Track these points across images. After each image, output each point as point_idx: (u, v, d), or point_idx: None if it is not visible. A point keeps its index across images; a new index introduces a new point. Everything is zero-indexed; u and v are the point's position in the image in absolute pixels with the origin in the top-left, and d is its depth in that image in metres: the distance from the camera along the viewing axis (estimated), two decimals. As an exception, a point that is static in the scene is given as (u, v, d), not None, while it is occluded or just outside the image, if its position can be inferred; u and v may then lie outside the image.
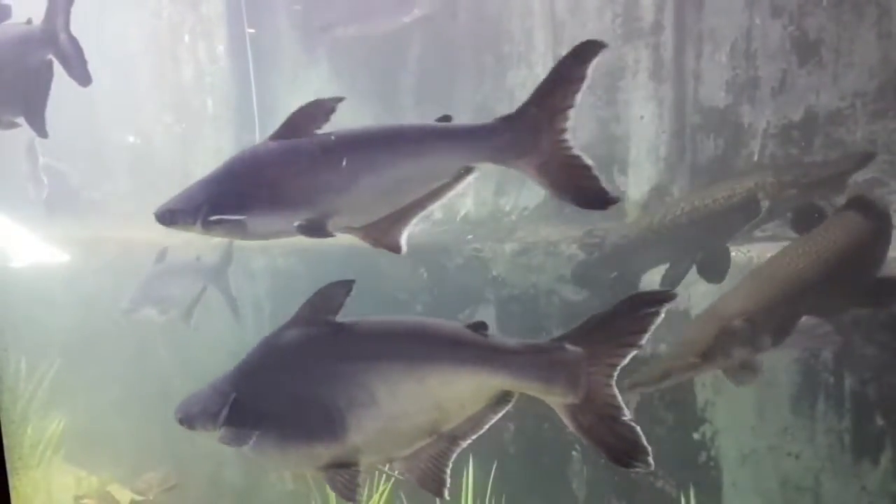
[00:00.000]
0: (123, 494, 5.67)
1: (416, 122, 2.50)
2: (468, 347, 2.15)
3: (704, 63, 4.11)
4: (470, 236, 4.86)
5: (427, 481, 2.30)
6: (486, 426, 2.22)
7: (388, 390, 2.18)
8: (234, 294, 5.21)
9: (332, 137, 2.46)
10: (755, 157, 3.96)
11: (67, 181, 7.15)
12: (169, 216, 2.48)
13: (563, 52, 4.55)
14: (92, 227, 6.72)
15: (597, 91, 4.48)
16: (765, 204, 3.39)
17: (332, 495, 4.49)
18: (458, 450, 2.25)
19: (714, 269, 3.60)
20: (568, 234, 4.47)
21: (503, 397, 2.18)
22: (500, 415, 2.19)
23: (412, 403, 2.18)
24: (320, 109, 2.52)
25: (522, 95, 5.03)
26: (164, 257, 5.32)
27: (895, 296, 3.15)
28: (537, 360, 2.11)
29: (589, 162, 2.28)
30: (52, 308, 7.19)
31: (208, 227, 2.43)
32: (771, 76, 3.88)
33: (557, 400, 2.08)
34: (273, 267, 5.73)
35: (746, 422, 3.70)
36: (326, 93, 6.00)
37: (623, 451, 2.04)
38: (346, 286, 2.33)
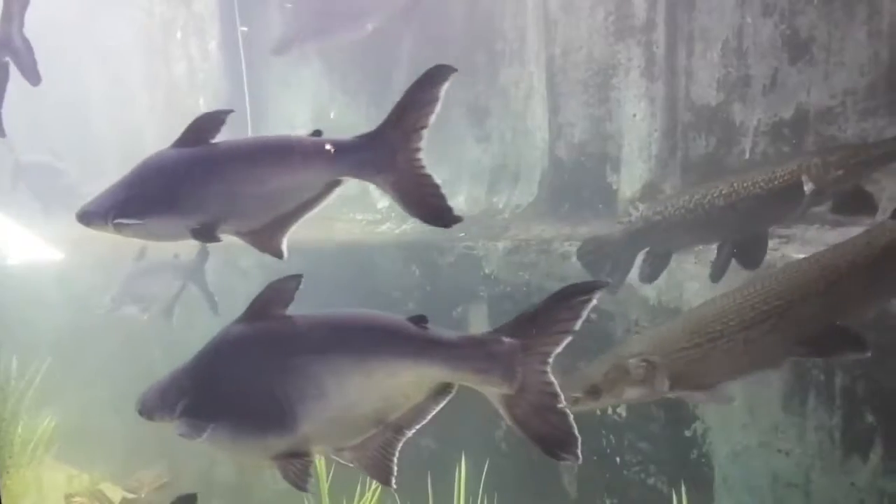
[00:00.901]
0: (115, 492, 5.65)
1: (293, 135, 2.61)
2: (409, 340, 2.22)
3: (696, 61, 4.12)
4: (463, 234, 4.87)
5: (375, 470, 2.35)
6: (430, 416, 2.28)
7: (335, 382, 2.25)
8: (210, 290, 5.23)
9: (221, 148, 2.57)
10: (746, 155, 3.97)
11: (65, 179, 7.14)
12: (85, 217, 2.59)
13: (557, 50, 4.63)
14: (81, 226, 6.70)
15: (589, 89, 4.49)
16: (809, 187, 3.19)
17: (325, 491, 4.49)
18: (404, 439, 2.30)
19: (749, 255, 3.46)
20: (561, 232, 4.48)
21: (444, 388, 2.24)
22: (441, 405, 2.25)
23: (359, 394, 2.25)
24: (214, 120, 2.60)
25: (515, 93, 5.08)
26: (144, 255, 5.36)
27: (842, 345, 2.96)
28: (474, 352, 2.17)
29: (437, 181, 2.40)
30: (43, 306, 7.17)
31: (117, 228, 2.55)
32: (762, 74, 3.89)
33: (494, 391, 2.14)
34: (264, 264, 5.71)
35: (737, 419, 3.71)
36: (318, 90, 6.06)
37: (556, 440, 2.09)
38: (295, 280, 2.40)
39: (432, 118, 2.38)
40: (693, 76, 4.13)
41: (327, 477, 4.47)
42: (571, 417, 2.07)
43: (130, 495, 5.54)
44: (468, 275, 4.65)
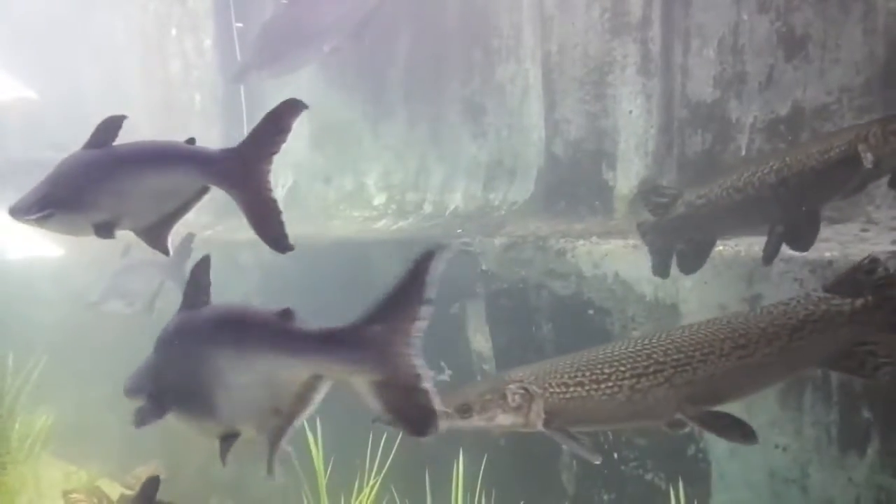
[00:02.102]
0: (113, 489, 5.66)
1: (173, 142, 2.78)
2: (273, 337, 2.33)
3: (692, 58, 4.12)
4: (459, 230, 4.88)
5: (270, 455, 2.51)
6: (314, 404, 2.37)
7: (227, 373, 2.41)
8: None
9: (115, 151, 2.77)
10: (742, 152, 3.98)
11: None
12: (13, 212, 2.82)
13: (553, 47, 4.63)
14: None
15: (585, 86, 4.49)
16: (867, 158, 2.94)
17: (323, 488, 4.50)
18: (296, 425, 2.42)
19: (800, 236, 3.24)
20: (557, 228, 4.49)
21: (319, 381, 2.33)
22: (322, 393, 2.33)
23: (245, 385, 2.41)
24: (113, 124, 2.82)
25: (511, 90, 5.09)
26: (129, 252, 5.51)
27: (727, 427, 2.86)
28: (342, 344, 2.23)
29: (280, 207, 2.60)
30: (40, 303, 7.16)
31: (39, 222, 2.75)
32: (758, 71, 3.90)
33: (365, 378, 2.15)
34: (261, 261, 5.73)
35: (734, 415, 3.72)
36: (314, 87, 6.05)
37: (422, 419, 2.14)
38: (205, 263, 2.62)
39: (283, 146, 2.61)
40: (689, 73, 4.14)
41: (325, 473, 4.48)
42: (433, 393, 2.11)
43: (128, 492, 5.55)
44: (465, 271, 4.66)
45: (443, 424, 2.51)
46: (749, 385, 2.98)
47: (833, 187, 3.11)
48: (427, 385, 2.12)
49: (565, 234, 4.36)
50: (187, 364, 2.52)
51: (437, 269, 2.20)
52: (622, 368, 2.89)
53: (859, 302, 2.84)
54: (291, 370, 2.32)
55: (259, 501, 5.66)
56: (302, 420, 2.39)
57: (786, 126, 3.85)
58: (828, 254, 3.46)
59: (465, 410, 2.94)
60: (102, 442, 6.28)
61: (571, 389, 2.90)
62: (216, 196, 5.97)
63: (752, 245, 3.68)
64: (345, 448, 4.34)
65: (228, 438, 2.63)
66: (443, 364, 4.76)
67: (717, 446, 3.82)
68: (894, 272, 2.85)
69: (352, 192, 5.81)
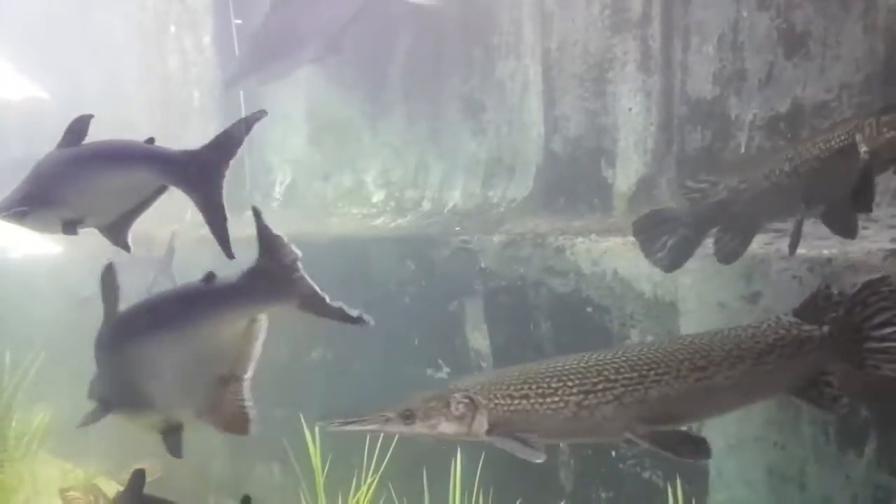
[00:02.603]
0: (110, 486, 5.65)
1: (134, 141, 2.88)
2: (212, 297, 2.63)
3: (692, 55, 4.11)
4: (458, 228, 4.87)
5: (234, 424, 2.71)
6: (256, 354, 2.70)
7: (172, 356, 2.64)
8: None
9: (81, 150, 2.89)
10: (742, 149, 3.97)
11: None
12: None
13: (553, 44, 4.62)
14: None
15: (585, 83, 4.48)
16: (863, 148, 2.89)
17: (321, 485, 4.50)
18: (247, 384, 2.67)
19: (841, 221, 3.14)
20: (556, 226, 4.48)
21: (252, 325, 2.67)
22: (261, 340, 2.70)
23: (192, 361, 2.63)
24: (82, 124, 2.92)
25: (511, 87, 5.08)
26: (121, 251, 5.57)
27: (682, 446, 2.80)
28: (260, 284, 2.63)
29: (227, 215, 2.82)
30: (38, 300, 7.15)
31: (16, 220, 2.89)
32: (758, 68, 3.89)
33: (284, 307, 2.64)
34: (260, 258, 5.71)
35: (732, 413, 3.72)
36: (314, 84, 6.05)
37: (342, 317, 2.66)
38: (111, 270, 2.84)
39: (236, 154, 2.79)
40: (689, 70, 4.13)
41: (323, 471, 4.48)
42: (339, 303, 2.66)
43: (125, 490, 5.54)
44: (463, 269, 4.65)
45: (383, 429, 2.96)
46: (708, 408, 2.94)
47: (839, 178, 3.02)
48: (331, 301, 2.68)
49: (564, 232, 4.35)
50: (124, 362, 2.73)
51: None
52: (570, 384, 2.84)
53: (826, 329, 2.84)
54: (233, 323, 2.64)
55: (257, 499, 5.64)
56: (252, 370, 2.70)
57: (786, 123, 3.84)
58: (826, 252, 3.45)
59: (408, 417, 2.94)
60: (100, 440, 6.27)
61: (516, 402, 2.87)
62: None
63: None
64: (342, 446, 4.33)
65: (172, 431, 2.94)
66: (440, 361, 4.76)
67: (716, 444, 3.80)
68: (851, 299, 2.82)
69: (350, 190, 5.80)
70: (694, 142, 4.15)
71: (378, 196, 5.63)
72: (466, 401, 2.91)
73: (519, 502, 4.22)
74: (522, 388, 2.89)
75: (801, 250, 3.50)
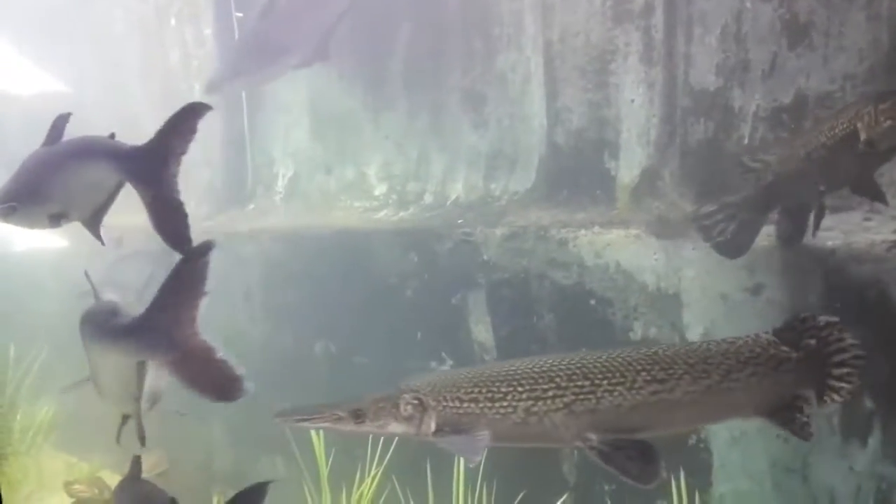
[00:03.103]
0: (114, 480, 5.66)
1: (100, 137, 2.98)
2: (106, 329, 2.83)
3: (695, 46, 4.10)
4: (460, 220, 4.86)
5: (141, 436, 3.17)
6: (146, 387, 2.93)
7: (95, 367, 3.07)
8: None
9: (60, 147, 3.00)
10: (745, 141, 3.96)
11: None
12: None
13: (554, 35, 4.60)
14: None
15: (587, 74, 4.47)
16: (862, 136, 2.88)
17: (325, 478, 4.51)
18: (144, 407, 3.08)
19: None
20: (558, 218, 4.47)
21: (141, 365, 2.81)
22: (149, 380, 2.89)
23: (107, 376, 3.00)
24: (61, 122, 3.03)
25: (512, 79, 5.05)
26: (121, 244, 5.61)
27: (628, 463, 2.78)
28: (145, 334, 2.64)
29: (185, 210, 2.76)
30: (41, 294, 7.15)
31: (4, 216, 2.94)
32: (761, 59, 3.87)
33: (162, 360, 2.57)
34: (263, 252, 5.72)
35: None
36: (315, 76, 6.03)
37: (224, 385, 2.53)
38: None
39: (189, 146, 2.78)
40: (692, 61, 4.11)
41: (327, 464, 4.48)
42: (230, 362, 2.52)
43: (130, 483, 5.55)
44: (466, 261, 4.65)
45: (334, 428, 2.97)
46: (665, 423, 2.84)
47: (845, 164, 3.06)
48: (221, 355, 2.52)
49: (567, 224, 4.34)
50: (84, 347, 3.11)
51: (208, 265, 2.55)
52: (520, 389, 2.82)
53: (802, 353, 2.79)
54: (118, 358, 2.87)
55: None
56: (146, 403, 3.02)
57: (789, 114, 3.82)
58: (830, 243, 3.45)
59: (358, 416, 2.95)
60: (104, 433, 6.28)
61: (465, 405, 2.87)
62: (214, 187, 5.99)
63: (754, 234, 3.66)
64: (346, 439, 4.34)
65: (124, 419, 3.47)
66: (444, 354, 4.76)
67: (719, 436, 3.82)
68: (825, 327, 2.79)
69: (352, 183, 5.79)
70: (697, 133, 4.14)
71: (380, 189, 5.62)
72: (415, 402, 2.91)
73: (523, 495, 4.23)
74: (472, 392, 2.87)
75: (803, 241, 3.51)
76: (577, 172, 4.58)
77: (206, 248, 2.54)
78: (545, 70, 4.65)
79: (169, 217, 2.75)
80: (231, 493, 5.61)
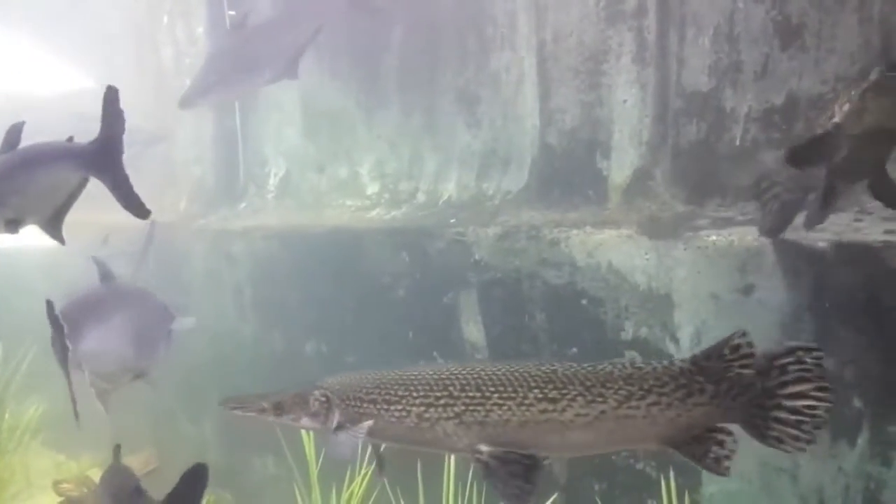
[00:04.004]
0: (103, 479, 5.64)
1: (55, 142, 3.24)
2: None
3: (687, 47, 4.11)
4: (453, 220, 4.86)
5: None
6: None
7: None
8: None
9: (14, 155, 3.21)
10: (737, 142, 3.97)
11: None
12: None
13: (548, 35, 4.61)
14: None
15: (580, 75, 4.48)
16: (835, 120, 2.82)
17: (315, 477, 4.50)
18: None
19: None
20: (550, 218, 4.48)
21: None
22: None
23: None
24: (16, 130, 3.26)
25: (506, 79, 5.06)
26: (107, 242, 5.65)
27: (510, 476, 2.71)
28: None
29: (133, 188, 3.14)
30: (29, 292, 7.11)
31: None
32: (753, 60, 3.89)
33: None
34: (253, 251, 5.71)
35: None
36: (308, 75, 6.01)
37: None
38: None
39: (123, 136, 3.11)
40: (684, 62, 4.13)
41: (317, 463, 4.48)
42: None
43: (119, 482, 5.53)
44: (458, 261, 4.65)
45: (258, 417, 3.11)
46: (558, 444, 2.76)
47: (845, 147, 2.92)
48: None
49: (559, 224, 4.35)
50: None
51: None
52: (415, 394, 2.86)
53: (726, 385, 2.61)
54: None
55: (252, 490, 5.66)
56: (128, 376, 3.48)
57: (781, 116, 3.84)
58: (821, 244, 3.46)
59: (277, 409, 3.08)
60: (93, 432, 6.26)
61: (365, 405, 2.94)
62: (206, 186, 5.96)
63: (745, 235, 3.68)
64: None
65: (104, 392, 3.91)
66: (435, 354, 4.76)
67: (710, 436, 3.82)
68: (770, 359, 2.57)
69: (345, 182, 5.79)
70: (689, 134, 4.15)
71: (373, 188, 5.62)
72: (322, 399, 3.02)
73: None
74: (372, 393, 2.94)
75: (794, 242, 3.52)
76: (570, 172, 4.59)
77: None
78: (538, 70, 4.66)
79: (129, 194, 3.13)
80: (222, 493, 5.61)
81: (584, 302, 4.17)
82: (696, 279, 3.80)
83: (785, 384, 2.59)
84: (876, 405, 3.33)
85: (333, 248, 5.28)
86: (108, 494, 3.65)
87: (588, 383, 2.67)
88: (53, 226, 3.26)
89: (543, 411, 2.69)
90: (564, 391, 2.68)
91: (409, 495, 4.37)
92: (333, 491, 4.53)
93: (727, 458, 2.65)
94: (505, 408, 2.72)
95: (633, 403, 2.64)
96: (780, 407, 2.59)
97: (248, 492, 5.64)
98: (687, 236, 3.85)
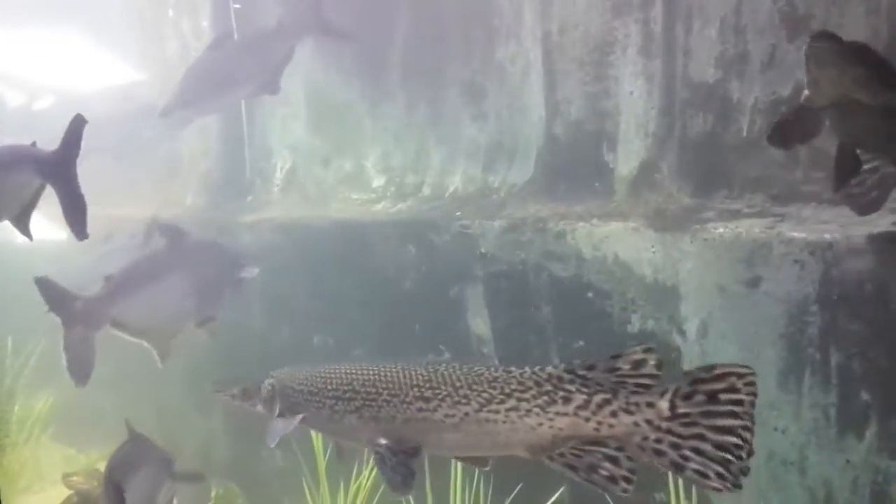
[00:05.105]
0: (112, 472, 5.67)
1: (22, 146, 3.48)
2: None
3: (694, 38, 4.09)
4: (458, 213, 4.85)
5: None
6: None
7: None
8: None
9: None
10: (744, 134, 3.95)
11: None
12: None
13: (554, 27, 4.59)
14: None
15: (586, 66, 4.46)
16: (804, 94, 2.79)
17: (322, 469, 4.51)
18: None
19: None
20: (556, 210, 4.47)
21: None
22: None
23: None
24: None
25: (512, 70, 5.04)
26: (110, 239, 5.74)
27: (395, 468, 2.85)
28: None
29: (85, 203, 3.45)
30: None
31: None
32: (760, 51, 3.87)
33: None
34: (260, 243, 5.71)
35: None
36: (313, 69, 6.00)
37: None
38: None
39: (79, 152, 3.42)
40: (691, 53, 4.10)
41: (325, 455, 4.49)
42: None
43: (128, 474, 5.56)
44: (464, 254, 4.64)
45: (236, 403, 3.49)
46: (436, 443, 2.82)
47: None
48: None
49: (565, 216, 4.34)
50: None
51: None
52: (329, 388, 3.04)
53: (599, 397, 2.49)
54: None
55: (258, 482, 5.68)
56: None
57: (788, 107, 3.81)
58: (828, 235, 3.44)
59: (244, 395, 3.43)
60: (101, 425, 6.29)
61: (296, 394, 3.18)
62: (212, 179, 5.96)
63: (752, 227, 3.66)
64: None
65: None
66: (442, 347, 4.76)
67: (716, 428, 3.81)
68: (694, 382, 2.40)
69: (350, 175, 5.78)
70: (696, 126, 4.13)
71: (378, 181, 5.61)
72: (269, 388, 3.32)
73: (519, 488, 4.23)
74: (302, 384, 3.17)
75: (801, 234, 3.51)
76: (576, 165, 4.57)
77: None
78: (544, 62, 4.64)
79: (75, 207, 3.41)
80: (230, 485, 5.64)
81: (590, 294, 4.16)
82: (702, 271, 3.79)
83: (712, 414, 2.39)
84: (884, 398, 3.32)
85: (339, 241, 5.28)
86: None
87: (458, 384, 2.72)
88: (21, 222, 3.45)
89: (420, 410, 2.78)
90: (437, 391, 2.75)
91: (417, 488, 4.37)
92: (341, 484, 4.54)
93: (626, 479, 2.49)
94: (391, 405, 2.85)
95: (493, 407, 2.63)
96: (702, 438, 2.40)
97: (256, 484, 5.67)
98: (693, 229, 3.84)
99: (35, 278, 4.52)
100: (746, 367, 2.41)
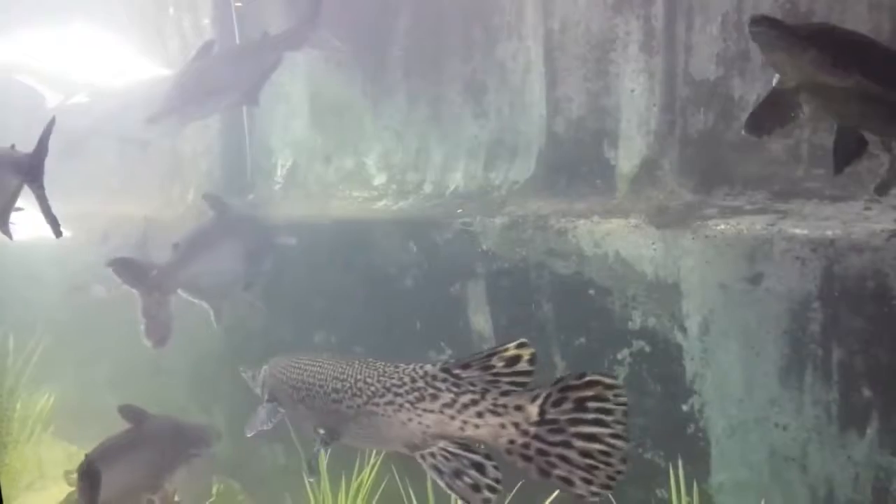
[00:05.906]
0: (114, 469, 5.67)
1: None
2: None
3: (695, 35, 4.08)
4: (460, 210, 4.85)
5: None
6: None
7: None
8: None
9: None
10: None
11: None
12: None
13: (555, 24, 4.58)
14: (79, 203, 6.69)
15: (587, 63, 4.45)
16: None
17: (324, 467, 4.51)
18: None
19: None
20: (558, 207, 4.47)
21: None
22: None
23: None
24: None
25: (513, 68, 5.05)
26: (108, 239, 5.81)
27: None
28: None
29: (49, 204, 3.62)
30: (40, 283, 7.16)
31: None
32: (762, 48, 3.86)
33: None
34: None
35: (734, 394, 3.73)
36: (314, 66, 6.01)
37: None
38: None
39: (46, 156, 3.58)
40: (692, 50, 4.10)
41: (326, 452, 4.49)
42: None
43: (129, 472, 5.57)
44: (465, 251, 4.64)
45: (251, 385, 3.85)
46: (352, 434, 2.88)
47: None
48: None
49: (566, 214, 4.34)
50: None
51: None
52: (291, 377, 3.26)
53: (467, 397, 2.46)
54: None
55: (260, 480, 5.68)
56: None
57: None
58: (829, 232, 3.44)
59: (253, 379, 3.79)
60: (103, 422, 6.30)
61: (275, 380, 3.42)
62: (213, 178, 5.97)
63: (753, 223, 3.66)
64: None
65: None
66: (443, 344, 4.77)
67: (717, 425, 3.82)
68: (563, 387, 2.37)
69: (352, 172, 5.78)
70: (697, 123, 4.13)
71: (379, 179, 5.61)
72: (262, 374, 3.64)
73: (520, 485, 4.24)
74: (282, 372, 3.37)
75: (802, 231, 3.51)
76: (577, 162, 4.57)
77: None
78: (545, 59, 4.64)
79: (48, 207, 3.59)
80: (231, 482, 5.64)
81: (591, 292, 4.16)
82: (704, 268, 3.79)
83: (579, 422, 2.36)
84: (885, 395, 3.32)
85: (341, 239, 5.29)
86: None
87: (357, 377, 2.84)
88: (1, 220, 3.62)
89: (335, 401, 2.92)
90: (345, 382, 2.89)
91: (418, 483, 4.38)
92: (343, 481, 4.55)
93: (490, 488, 2.43)
94: (315, 396, 3.05)
95: (375, 400, 2.71)
96: (568, 445, 2.37)
97: (257, 481, 5.67)
98: (695, 225, 3.84)
99: (110, 261, 4.81)
100: (613, 377, 2.41)
